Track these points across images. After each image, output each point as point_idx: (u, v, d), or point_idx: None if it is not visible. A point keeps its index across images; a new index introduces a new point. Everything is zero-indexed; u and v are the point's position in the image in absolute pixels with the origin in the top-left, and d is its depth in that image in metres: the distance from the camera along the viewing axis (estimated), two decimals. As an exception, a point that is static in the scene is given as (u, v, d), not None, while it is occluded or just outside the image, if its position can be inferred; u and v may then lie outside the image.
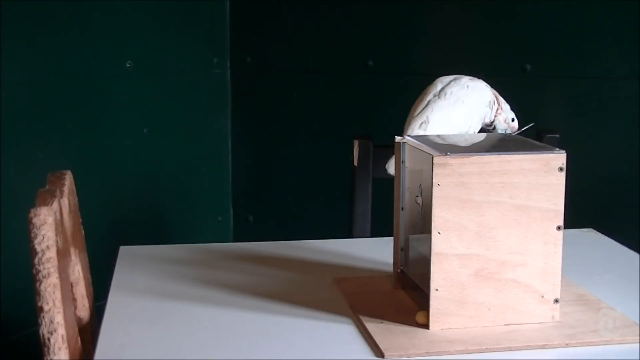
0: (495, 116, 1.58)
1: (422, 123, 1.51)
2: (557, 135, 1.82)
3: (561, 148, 1.23)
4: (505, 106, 1.60)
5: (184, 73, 2.85)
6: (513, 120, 1.60)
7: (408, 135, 1.34)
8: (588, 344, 1.17)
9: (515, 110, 1.78)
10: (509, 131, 1.59)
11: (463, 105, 1.53)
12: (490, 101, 1.56)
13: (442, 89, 1.55)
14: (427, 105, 1.53)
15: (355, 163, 1.83)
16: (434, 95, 1.54)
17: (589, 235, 1.74)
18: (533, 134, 1.73)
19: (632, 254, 1.60)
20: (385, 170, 1.57)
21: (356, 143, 1.82)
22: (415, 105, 1.57)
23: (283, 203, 3.00)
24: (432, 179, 1.17)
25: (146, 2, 2.70)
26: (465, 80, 1.56)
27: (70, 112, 2.51)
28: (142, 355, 1.14)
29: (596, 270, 1.50)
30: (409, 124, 1.53)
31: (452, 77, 1.58)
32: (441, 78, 1.58)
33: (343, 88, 2.85)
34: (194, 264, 1.53)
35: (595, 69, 2.45)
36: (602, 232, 1.74)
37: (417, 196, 1.27)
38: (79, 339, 1.26)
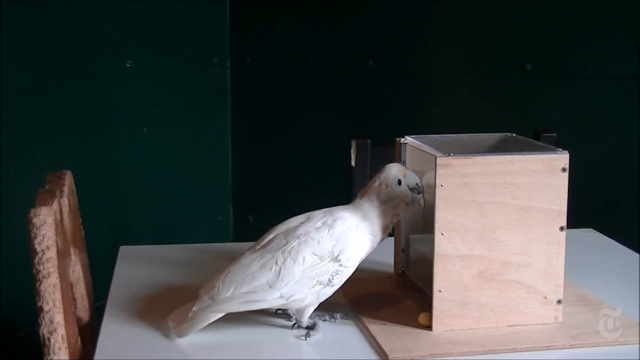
0: None
1: None
2: (554, 135, 1.81)
3: (559, 147, 1.22)
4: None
5: (184, 73, 2.85)
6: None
7: (407, 136, 1.33)
8: (592, 344, 1.17)
9: (515, 110, 1.77)
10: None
11: None
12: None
13: None
14: None
15: (353, 163, 1.82)
16: None
17: (589, 235, 1.73)
18: (531, 134, 1.73)
19: (632, 254, 1.60)
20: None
21: (354, 143, 1.82)
22: None
23: (283, 203, 2.99)
24: (435, 179, 1.16)
25: (146, 2, 2.70)
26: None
27: (70, 112, 2.50)
28: (142, 355, 1.14)
29: (596, 270, 1.50)
30: None
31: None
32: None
33: (343, 88, 2.85)
34: (193, 264, 1.53)
35: (595, 69, 2.45)
36: (602, 232, 1.74)
37: (420, 197, 1.26)
38: (79, 339, 1.25)
